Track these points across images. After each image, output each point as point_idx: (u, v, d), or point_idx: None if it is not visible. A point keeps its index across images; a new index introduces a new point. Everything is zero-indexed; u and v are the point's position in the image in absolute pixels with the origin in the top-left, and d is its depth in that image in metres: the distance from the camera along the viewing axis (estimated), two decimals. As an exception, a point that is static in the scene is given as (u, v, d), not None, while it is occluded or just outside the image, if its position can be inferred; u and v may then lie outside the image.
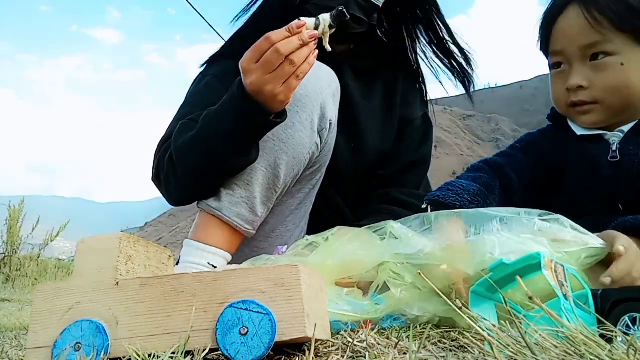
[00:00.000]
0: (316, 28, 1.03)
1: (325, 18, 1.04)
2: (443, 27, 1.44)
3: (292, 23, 1.01)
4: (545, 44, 1.16)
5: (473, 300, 0.68)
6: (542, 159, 1.19)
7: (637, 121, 1.07)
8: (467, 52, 1.45)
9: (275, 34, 1.00)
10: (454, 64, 1.46)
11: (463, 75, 1.48)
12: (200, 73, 1.43)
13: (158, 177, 1.23)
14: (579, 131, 1.13)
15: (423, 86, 1.53)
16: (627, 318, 0.58)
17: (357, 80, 1.41)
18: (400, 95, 1.48)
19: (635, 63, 1.05)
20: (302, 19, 1.03)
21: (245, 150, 1.11)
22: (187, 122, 1.16)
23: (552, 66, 1.15)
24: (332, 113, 1.22)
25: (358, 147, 1.39)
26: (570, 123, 1.15)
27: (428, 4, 1.43)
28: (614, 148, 1.07)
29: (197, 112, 1.17)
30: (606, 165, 1.07)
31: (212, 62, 1.44)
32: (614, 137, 1.08)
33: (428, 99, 1.54)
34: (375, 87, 1.45)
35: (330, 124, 1.22)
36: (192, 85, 1.42)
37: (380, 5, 1.35)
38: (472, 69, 1.47)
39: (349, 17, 1.04)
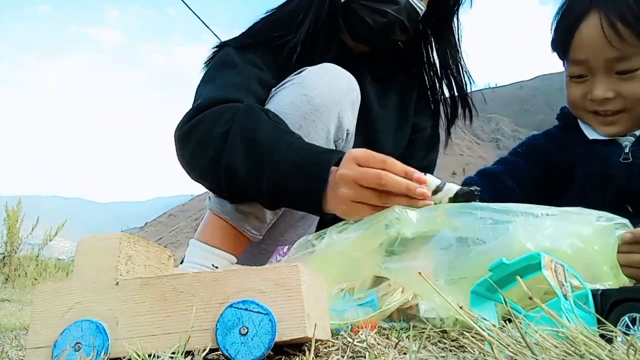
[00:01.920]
0: (435, 192, 0.88)
1: (452, 189, 0.89)
2: (455, 48, 1.41)
3: (417, 173, 0.89)
4: (563, 48, 1.12)
5: (473, 300, 0.68)
6: (546, 162, 1.18)
7: None
8: (465, 83, 1.42)
9: (395, 163, 0.91)
10: (450, 89, 1.44)
11: (452, 104, 1.44)
12: (224, 51, 1.31)
13: (188, 136, 1.08)
14: (592, 135, 1.11)
15: (442, 105, 1.48)
16: (627, 318, 0.58)
17: (374, 86, 1.39)
18: (413, 102, 1.46)
19: None
20: (428, 176, 0.89)
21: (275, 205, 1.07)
22: (260, 112, 1.05)
23: (571, 73, 1.12)
24: (350, 123, 1.18)
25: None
26: (582, 126, 1.14)
27: (449, 21, 1.40)
28: (627, 150, 1.07)
29: (272, 109, 1.08)
30: (617, 166, 1.07)
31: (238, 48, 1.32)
32: (627, 141, 1.08)
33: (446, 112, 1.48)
34: (391, 92, 1.43)
35: (348, 133, 1.18)
36: (220, 56, 1.29)
37: (420, 16, 1.33)
38: (466, 104, 1.43)
39: (479, 201, 0.89)
